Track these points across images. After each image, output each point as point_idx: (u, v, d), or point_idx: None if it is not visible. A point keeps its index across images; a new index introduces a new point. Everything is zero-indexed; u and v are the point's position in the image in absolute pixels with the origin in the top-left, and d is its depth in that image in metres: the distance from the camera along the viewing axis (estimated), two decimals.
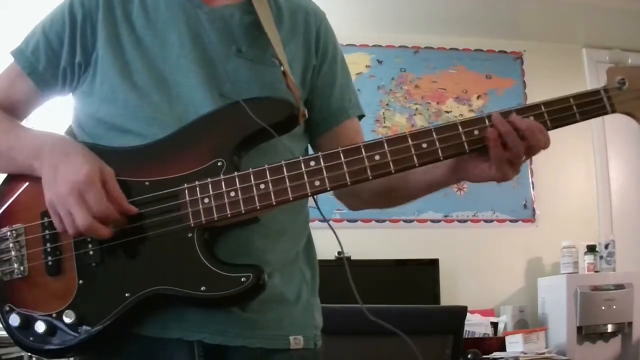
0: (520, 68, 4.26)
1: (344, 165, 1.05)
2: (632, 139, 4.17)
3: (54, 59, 1.18)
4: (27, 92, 1.20)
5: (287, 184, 1.05)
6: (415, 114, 4.10)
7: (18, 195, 1.12)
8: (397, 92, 4.11)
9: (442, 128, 1.07)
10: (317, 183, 1.05)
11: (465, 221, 4.04)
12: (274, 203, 1.05)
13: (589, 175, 4.22)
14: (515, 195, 4.09)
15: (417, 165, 1.06)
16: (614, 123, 4.14)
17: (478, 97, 4.17)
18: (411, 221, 3.99)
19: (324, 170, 1.05)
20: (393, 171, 1.06)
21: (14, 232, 1.10)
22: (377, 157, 1.06)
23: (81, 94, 1.19)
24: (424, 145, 1.06)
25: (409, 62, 4.16)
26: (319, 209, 1.21)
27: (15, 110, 1.21)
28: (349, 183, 1.06)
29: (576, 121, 1.08)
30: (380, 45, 4.14)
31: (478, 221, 4.05)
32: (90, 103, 1.17)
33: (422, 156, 1.06)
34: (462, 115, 4.04)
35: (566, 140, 4.14)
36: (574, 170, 4.20)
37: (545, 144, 1.07)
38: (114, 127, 1.13)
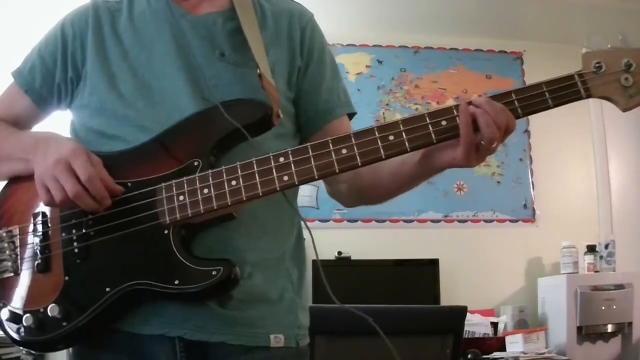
0: (520, 68, 4.27)
1: (312, 160, 1.07)
2: (632, 139, 4.16)
3: (48, 77, 1.26)
4: (26, 108, 1.29)
5: (257, 179, 1.07)
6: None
7: (14, 198, 1.19)
8: (397, 92, 4.12)
9: (410, 120, 1.07)
10: (285, 178, 1.07)
11: (465, 221, 4.05)
12: (244, 198, 1.06)
13: (589, 175, 4.22)
14: (515, 195, 4.09)
15: (383, 157, 1.06)
16: (614, 123, 4.14)
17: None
18: (411, 221, 3.99)
19: (292, 165, 1.07)
20: (360, 164, 1.07)
21: (9, 233, 1.16)
22: (344, 151, 1.07)
23: (75, 107, 1.26)
24: (391, 138, 1.06)
25: (409, 62, 4.16)
26: (292, 206, 1.22)
27: (17, 126, 1.28)
28: (316, 177, 1.07)
29: (549, 107, 1.06)
30: (380, 45, 4.14)
31: (478, 221, 4.05)
32: (82, 114, 1.24)
33: (389, 148, 1.06)
34: None
35: (566, 140, 4.15)
36: (574, 170, 4.19)
37: (512, 126, 1.05)
38: (104, 134, 1.19)
